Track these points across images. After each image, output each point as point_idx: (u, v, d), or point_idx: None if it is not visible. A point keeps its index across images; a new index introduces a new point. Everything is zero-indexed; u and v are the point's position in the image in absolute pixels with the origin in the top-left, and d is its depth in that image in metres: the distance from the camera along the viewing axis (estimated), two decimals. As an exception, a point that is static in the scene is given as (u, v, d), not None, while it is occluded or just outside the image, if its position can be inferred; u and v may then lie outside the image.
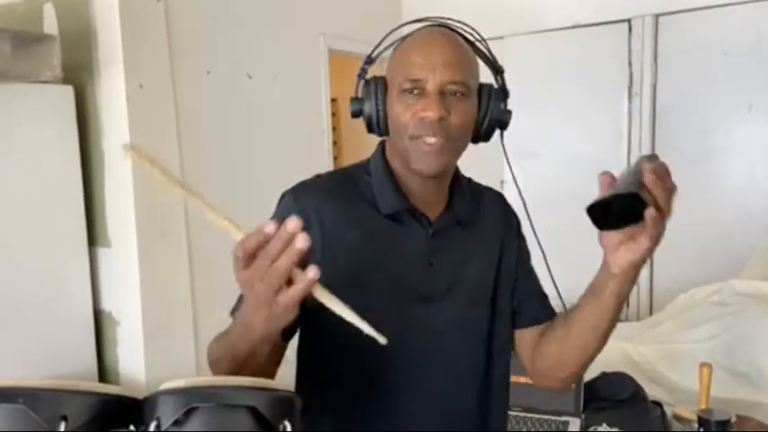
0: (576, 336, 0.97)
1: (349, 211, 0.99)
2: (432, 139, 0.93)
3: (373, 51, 1.03)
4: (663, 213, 0.76)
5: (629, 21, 3.11)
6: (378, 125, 0.99)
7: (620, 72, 3.14)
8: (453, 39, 0.98)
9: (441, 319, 1.01)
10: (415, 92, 0.94)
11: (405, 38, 1.00)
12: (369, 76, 1.03)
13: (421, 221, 1.01)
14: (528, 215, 1.11)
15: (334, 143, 3.60)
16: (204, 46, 2.62)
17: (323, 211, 0.97)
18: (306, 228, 0.90)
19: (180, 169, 2.47)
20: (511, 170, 1.10)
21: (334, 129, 3.56)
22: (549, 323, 1.08)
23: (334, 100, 3.54)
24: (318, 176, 1.08)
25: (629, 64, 3.12)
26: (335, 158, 3.67)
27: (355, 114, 1.02)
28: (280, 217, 0.94)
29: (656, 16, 3.05)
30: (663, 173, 0.75)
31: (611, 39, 3.16)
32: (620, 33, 3.13)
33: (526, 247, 1.13)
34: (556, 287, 1.09)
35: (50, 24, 2.40)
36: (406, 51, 0.97)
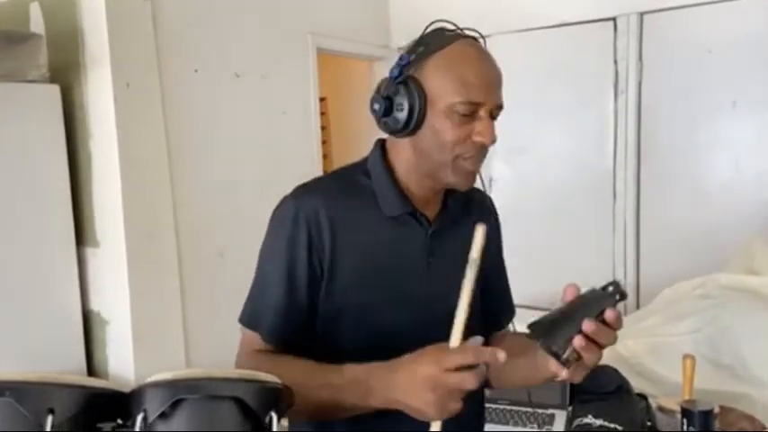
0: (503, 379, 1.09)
1: (353, 213, 1.01)
2: (477, 161, 0.98)
3: (412, 55, 0.99)
4: (568, 378, 0.86)
5: (614, 19, 3.13)
6: (408, 130, 0.98)
7: (605, 70, 3.17)
8: (492, 56, 1.01)
9: (439, 317, 1.02)
10: (469, 111, 0.95)
11: (441, 43, 0.98)
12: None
13: (421, 222, 1.03)
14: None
15: (324, 142, 3.60)
16: (192, 45, 2.61)
17: (329, 213, 0.99)
18: (316, 229, 0.97)
19: (168, 168, 2.47)
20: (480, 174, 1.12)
21: (323, 128, 3.56)
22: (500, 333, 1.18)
23: (323, 99, 3.54)
24: (318, 179, 1.09)
25: (615, 62, 3.15)
26: (325, 157, 3.67)
27: (386, 113, 0.99)
28: (288, 221, 0.99)
29: (641, 14, 3.08)
30: (599, 333, 0.81)
31: (596, 37, 3.18)
32: (605, 32, 3.15)
33: (502, 251, 1.20)
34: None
35: (37, 23, 2.40)
36: (459, 67, 0.96)
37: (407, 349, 0.98)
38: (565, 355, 0.82)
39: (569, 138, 3.32)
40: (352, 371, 0.88)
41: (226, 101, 2.76)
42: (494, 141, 0.97)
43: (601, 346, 0.83)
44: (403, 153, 1.04)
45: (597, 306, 0.82)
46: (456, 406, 0.81)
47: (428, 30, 1.02)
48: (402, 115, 0.98)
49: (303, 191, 1.03)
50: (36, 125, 2.21)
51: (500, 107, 0.98)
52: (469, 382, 0.80)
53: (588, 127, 3.27)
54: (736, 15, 2.89)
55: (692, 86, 3.00)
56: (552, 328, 0.84)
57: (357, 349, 0.95)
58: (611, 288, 0.83)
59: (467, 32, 1.02)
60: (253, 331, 1.01)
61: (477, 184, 1.15)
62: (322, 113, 3.51)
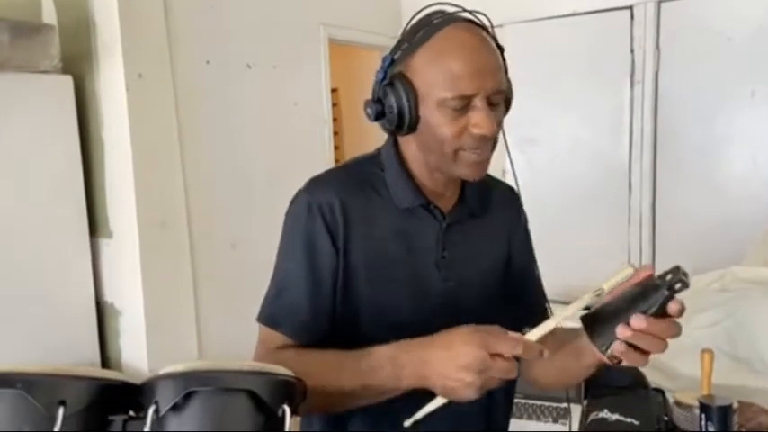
0: (542, 373, 1.05)
1: (366, 205, 0.99)
2: (482, 151, 0.93)
3: (397, 52, 0.96)
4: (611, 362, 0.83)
5: (630, 7, 3.08)
6: (408, 128, 0.95)
7: (621, 59, 3.12)
8: (486, 38, 0.93)
9: (453, 310, 1.00)
10: (461, 105, 0.89)
11: (426, 33, 0.92)
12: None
13: (435, 215, 1.01)
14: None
15: (335, 133, 3.58)
16: (203, 36, 2.60)
17: (343, 205, 0.97)
18: (331, 218, 0.96)
19: (180, 159, 2.47)
20: (510, 160, 1.10)
21: (335, 119, 3.55)
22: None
23: (334, 90, 3.52)
24: (330, 172, 1.07)
25: (631, 51, 3.10)
26: (336, 149, 3.66)
27: (378, 117, 0.97)
28: (303, 215, 0.97)
29: (658, 2, 3.03)
30: (654, 327, 0.76)
31: (612, 26, 3.13)
32: (621, 20, 3.11)
33: (531, 245, 1.15)
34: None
35: (49, 14, 2.40)
36: (445, 59, 0.90)
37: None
38: (608, 353, 0.79)
39: (584, 128, 3.28)
40: (382, 351, 0.86)
41: (237, 92, 2.75)
42: (495, 129, 0.91)
43: (662, 339, 0.77)
44: (411, 148, 1.01)
45: (654, 298, 0.74)
46: (486, 389, 0.80)
47: (417, 16, 0.96)
48: (393, 117, 0.95)
49: (316, 184, 1.01)
50: (49, 116, 2.22)
51: (499, 92, 0.91)
52: (513, 372, 0.79)
53: (604, 117, 3.23)
54: (754, 3, 2.83)
55: (709, 75, 2.95)
56: (600, 322, 0.80)
57: (373, 342, 0.94)
58: (669, 276, 0.74)
59: (462, 15, 0.95)
60: (273, 330, 0.98)
61: (499, 176, 1.13)
62: (333, 104, 3.49)
